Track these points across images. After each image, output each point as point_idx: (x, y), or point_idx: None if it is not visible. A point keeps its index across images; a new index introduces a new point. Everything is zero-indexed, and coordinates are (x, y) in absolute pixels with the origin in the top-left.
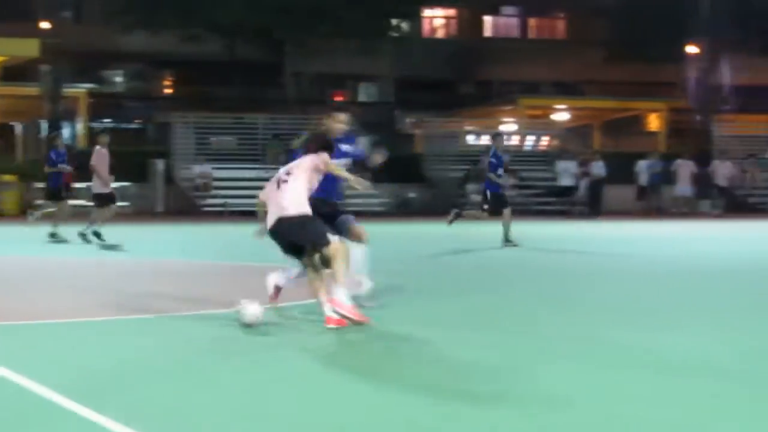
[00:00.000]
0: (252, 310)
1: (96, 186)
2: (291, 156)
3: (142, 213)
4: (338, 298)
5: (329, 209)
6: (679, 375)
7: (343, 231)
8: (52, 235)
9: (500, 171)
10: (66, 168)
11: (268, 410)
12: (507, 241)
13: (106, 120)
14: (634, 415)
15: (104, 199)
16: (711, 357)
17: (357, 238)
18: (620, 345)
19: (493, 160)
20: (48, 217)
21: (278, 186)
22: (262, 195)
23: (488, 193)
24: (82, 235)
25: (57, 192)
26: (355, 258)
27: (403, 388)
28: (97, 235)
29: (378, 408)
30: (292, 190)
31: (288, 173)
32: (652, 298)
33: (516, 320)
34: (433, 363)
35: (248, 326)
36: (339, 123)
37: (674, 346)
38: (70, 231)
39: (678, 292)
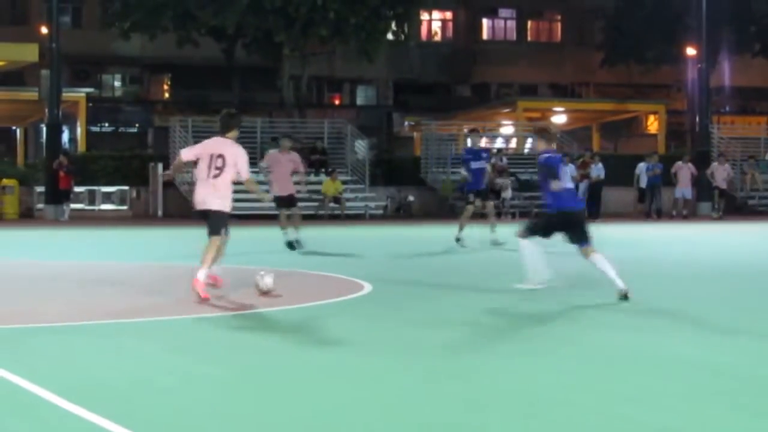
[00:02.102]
0: (268, 279)
1: None
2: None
3: (142, 217)
4: (199, 277)
5: None
6: (670, 375)
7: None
8: None
9: (473, 165)
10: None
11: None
12: (457, 239)
13: (104, 124)
14: (617, 414)
15: None
16: (710, 358)
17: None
18: (610, 345)
19: (468, 155)
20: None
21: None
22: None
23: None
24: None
25: None
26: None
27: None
28: None
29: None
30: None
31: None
32: (650, 299)
33: (491, 322)
34: (409, 369)
35: (264, 293)
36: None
37: (661, 346)
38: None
39: (676, 294)
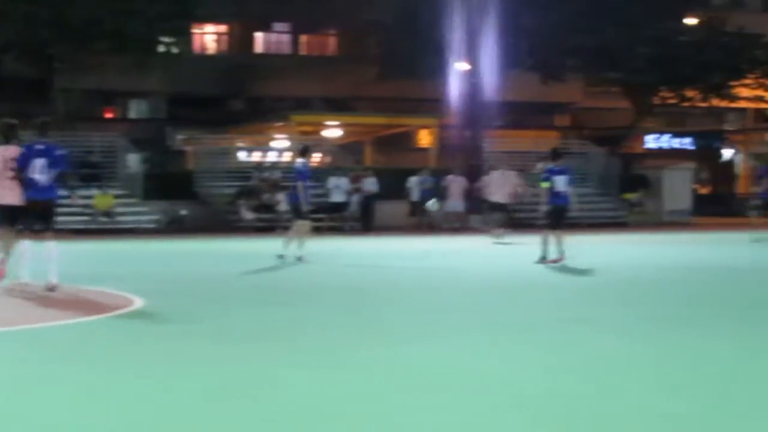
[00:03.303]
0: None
1: None
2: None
3: None
4: None
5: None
6: (440, 387)
7: None
8: None
9: (307, 182)
10: None
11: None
12: (279, 256)
13: None
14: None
15: None
16: (478, 368)
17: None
18: (371, 358)
19: (303, 170)
20: None
21: None
22: None
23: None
24: None
25: None
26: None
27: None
28: None
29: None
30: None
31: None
32: (417, 311)
33: (268, 334)
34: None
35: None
36: None
37: (428, 357)
38: None
39: (441, 306)
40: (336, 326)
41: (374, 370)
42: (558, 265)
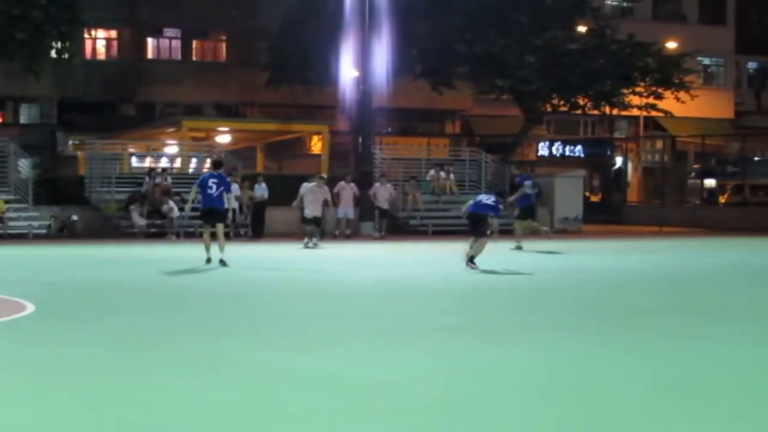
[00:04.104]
0: None
1: None
2: None
3: None
4: None
5: None
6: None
7: None
8: None
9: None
10: None
11: None
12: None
13: None
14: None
15: None
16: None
17: None
18: (254, 365)
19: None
20: None
21: None
22: None
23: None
24: None
25: None
26: None
27: None
28: None
29: None
30: None
31: None
32: (304, 318)
33: (155, 341)
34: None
35: None
36: None
37: (312, 365)
38: None
39: (329, 313)
40: (222, 333)
41: (256, 378)
42: (446, 272)
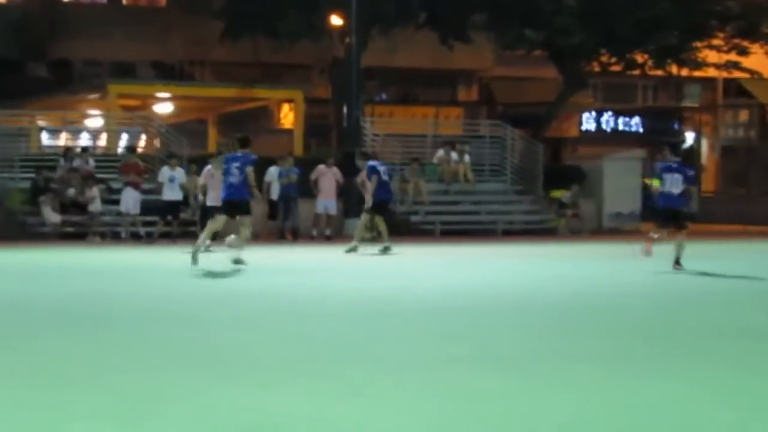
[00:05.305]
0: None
1: None
2: None
3: None
4: None
5: None
6: None
7: None
8: None
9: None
10: None
11: None
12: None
13: None
14: None
15: None
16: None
17: None
18: (207, 405)
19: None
20: None
21: None
22: None
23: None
24: None
25: None
26: None
27: None
28: None
29: None
30: None
31: None
32: (271, 343)
33: (73, 373)
34: None
35: None
36: None
37: (284, 404)
38: None
39: (304, 336)
40: (161, 362)
41: (209, 422)
42: (451, 286)
